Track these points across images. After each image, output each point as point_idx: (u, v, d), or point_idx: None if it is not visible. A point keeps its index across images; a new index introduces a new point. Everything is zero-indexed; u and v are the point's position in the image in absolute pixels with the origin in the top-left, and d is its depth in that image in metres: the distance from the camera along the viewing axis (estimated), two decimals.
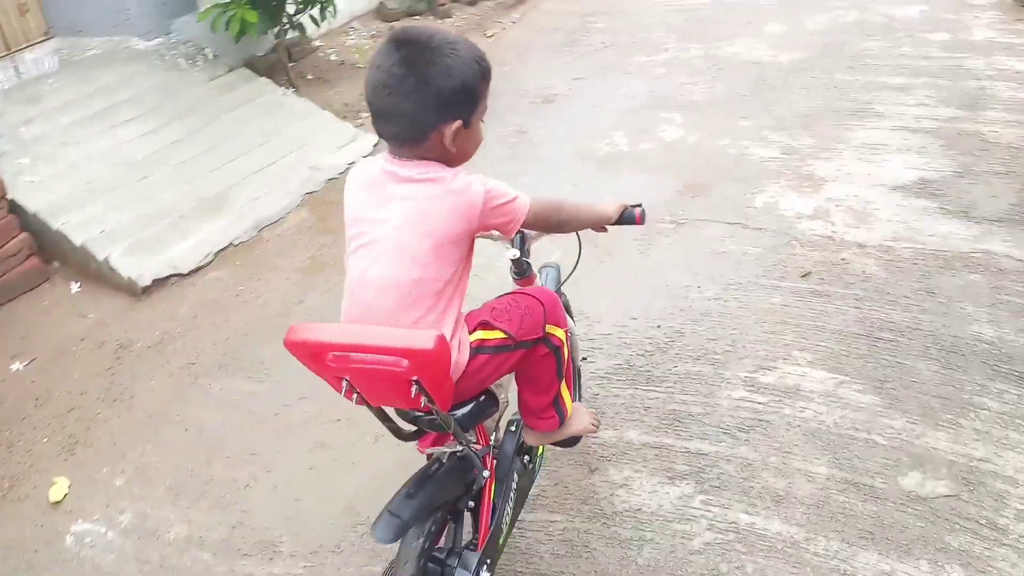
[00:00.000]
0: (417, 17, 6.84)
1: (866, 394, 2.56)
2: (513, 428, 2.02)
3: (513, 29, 6.93)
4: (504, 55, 6.25)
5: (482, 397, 1.73)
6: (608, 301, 3.18)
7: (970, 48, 5.34)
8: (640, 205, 1.94)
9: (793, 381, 2.64)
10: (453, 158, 1.57)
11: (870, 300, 2.99)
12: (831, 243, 3.37)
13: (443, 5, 6.83)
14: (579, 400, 2.36)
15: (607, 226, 1.92)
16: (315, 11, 5.48)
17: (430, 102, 1.48)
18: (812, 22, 6.18)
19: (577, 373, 2.39)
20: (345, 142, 4.79)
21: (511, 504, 1.96)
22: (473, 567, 1.77)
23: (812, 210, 3.62)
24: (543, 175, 4.29)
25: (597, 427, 2.09)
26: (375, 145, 4.81)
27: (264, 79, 5.27)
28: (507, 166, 4.44)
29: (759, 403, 2.57)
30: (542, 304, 1.75)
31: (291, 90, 5.34)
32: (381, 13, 6.86)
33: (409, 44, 1.48)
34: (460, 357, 1.61)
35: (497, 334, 1.68)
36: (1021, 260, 3.14)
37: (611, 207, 1.90)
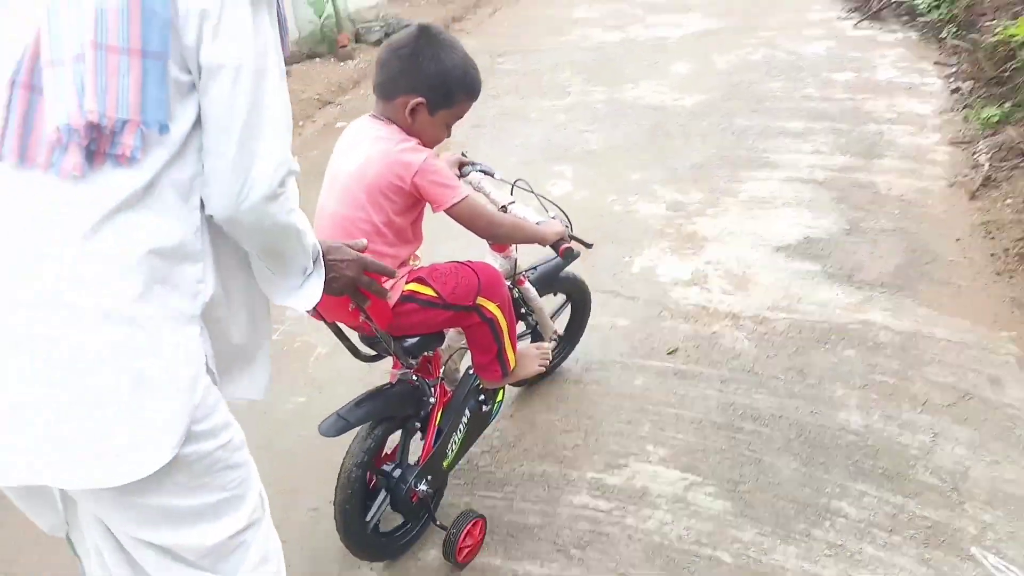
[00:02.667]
0: (318, 59, 6.59)
1: (718, 499, 2.33)
2: (471, 371, 2.30)
3: None
4: None
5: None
6: None
7: (873, 89, 5.24)
8: (569, 239, 2.17)
9: (642, 483, 2.41)
10: (413, 132, 1.92)
11: (736, 382, 2.78)
12: (704, 313, 3.16)
13: (344, 47, 6.59)
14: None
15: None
16: None
17: (409, 72, 1.88)
18: (721, 61, 6.06)
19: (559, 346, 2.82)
20: None
21: (459, 434, 2.26)
22: (411, 478, 2.09)
23: (690, 275, 3.42)
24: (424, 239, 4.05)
25: (546, 366, 2.45)
26: None
27: None
28: None
29: (601, 511, 2.33)
30: (478, 278, 2.08)
31: None
32: None
33: (429, 32, 1.91)
34: (392, 293, 1.92)
35: (429, 291, 2.02)
36: (899, 332, 2.96)
37: (550, 232, 2.13)
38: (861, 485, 2.34)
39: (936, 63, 5.51)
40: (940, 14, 5.83)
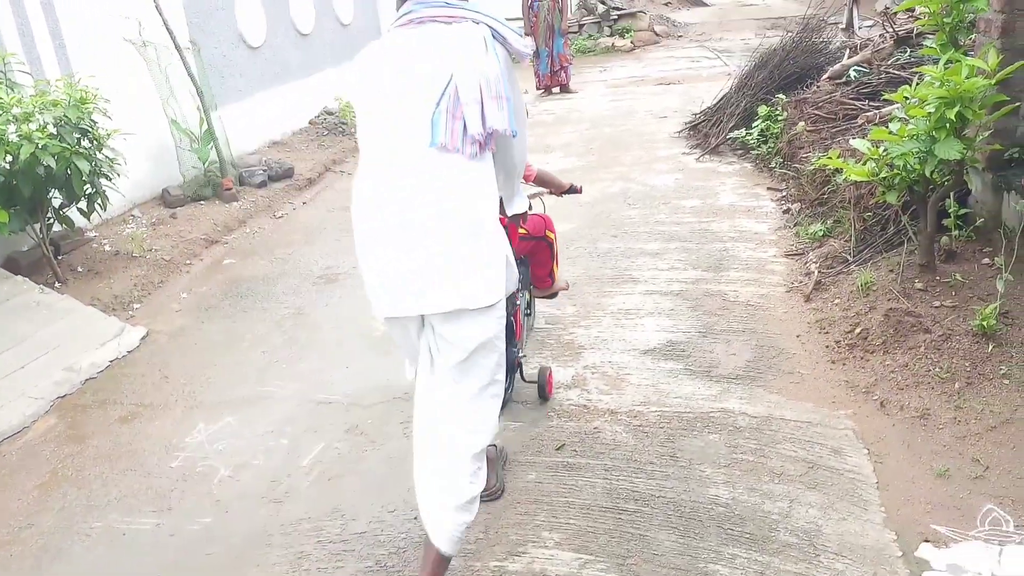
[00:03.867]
0: (202, 202, 6.79)
1: (608, 573, 2.57)
2: (525, 301, 3.60)
3: (304, 210, 7.03)
4: (291, 237, 6.29)
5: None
6: (369, 496, 3.09)
7: (716, 212, 5.92)
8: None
9: (540, 566, 2.63)
10: None
11: (618, 469, 3.08)
12: (586, 412, 3.48)
13: (229, 190, 6.84)
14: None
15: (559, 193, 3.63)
16: (83, 204, 5.33)
17: None
18: (585, 192, 6.65)
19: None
20: (109, 338, 4.56)
21: (525, 323, 3.61)
22: (519, 354, 3.43)
23: (570, 379, 3.76)
24: (321, 360, 4.23)
25: (568, 287, 4.02)
26: (142, 338, 4.61)
27: (21, 278, 4.98)
28: (283, 352, 4.35)
29: None
30: (544, 220, 3.52)
31: (55, 286, 5.08)
32: (165, 199, 6.76)
33: None
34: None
35: (522, 230, 3.22)
36: (754, 416, 3.36)
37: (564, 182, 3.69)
38: (732, 549, 2.63)
39: (769, 188, 6.29)
40: (768, 148, 6.70)
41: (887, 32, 6.30)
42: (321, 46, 9.71)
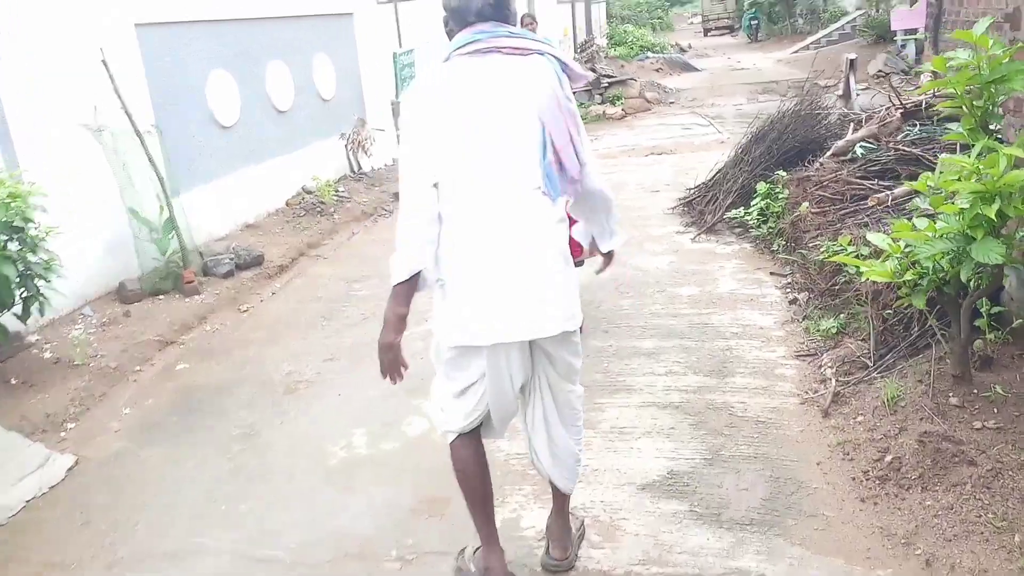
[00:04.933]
0: (161, 297, 6.29)
1: None
2: None
3: (272, 301, 6.52)
4: (254, 335, 5.77)
5: None
6: None
7: (716, 302, 5.42)
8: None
9: None
10: None
11: None
12: (573, 574, 2.90)
13: (190, 283, 6.34)
14: None
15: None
16: (18, 308, 4.82)
17: None
18: None
19: None
20: (30, 470, 3.99)
21: None
22: None
23: None
24: (267, 497, 3.66)
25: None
26: (69, 469, 4.05)
27: None
28: (226, 487, 3.78)
29: None
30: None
31: None
32: (121, 294, 6.25)
33: None
34: None
35: None
36: None
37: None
38: None
39: (772, 273, 5.81)
40: (769, 229, 6.24)
41: (893, 104, 5.90)
42: (300, 122, 9.33)
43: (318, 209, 8.75)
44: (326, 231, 8.33)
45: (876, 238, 3.58)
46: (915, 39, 16.71)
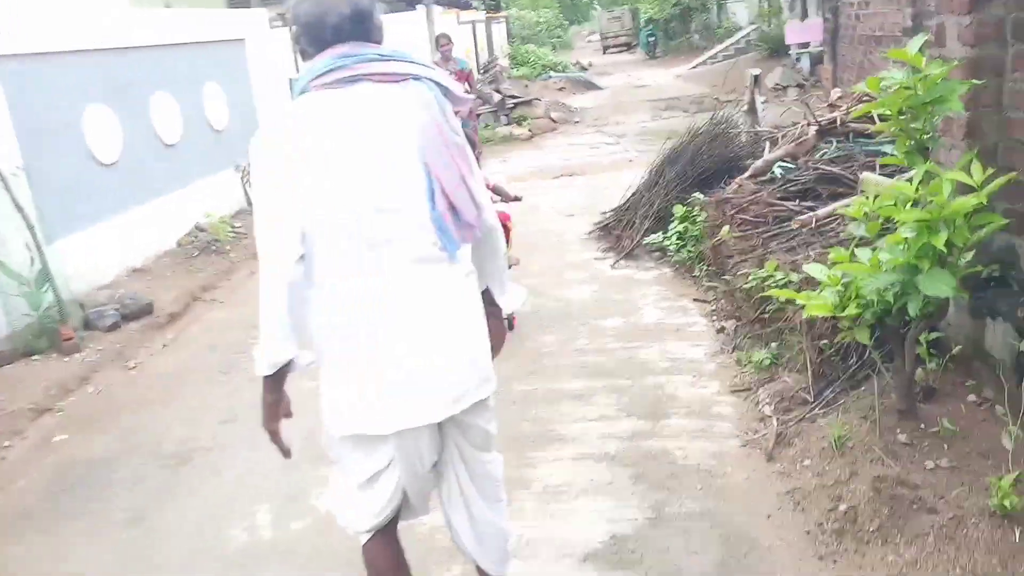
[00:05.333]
0: (36, 357, 5.65)
1: None
2: None
3: (163, 354, 5.95)
4: (143, 394, 5.21)
5: None
6: None
7: (643, 334, 5.18)
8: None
9: None
10: None
11: None
12: None
13: (69, 340, 5.72)
14: None
15: None
16: None
17: None
18: None
19: None
20: None
21: None
22: None
23: None
24: None
25: (518, 262, 5.80)
26: None
27: None
28: None
29: None
30: (504, 216, 4.88)
31: None
32: None
33: None
34: None
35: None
36: None
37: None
38: None
39: (696, 300, 5.62)
40: (689, 253, 6.06)
41: (807, 121, 5.82)
42: (191, 156, 8.72)
43: (213, 248, 8.18)
44: (222, 271, 7.78)
45: (814, 270, 3.38)
46: (808, 53, 17.18)
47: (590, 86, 22.38)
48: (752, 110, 9.19)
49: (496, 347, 2.37)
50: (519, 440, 3.99)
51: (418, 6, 16.32)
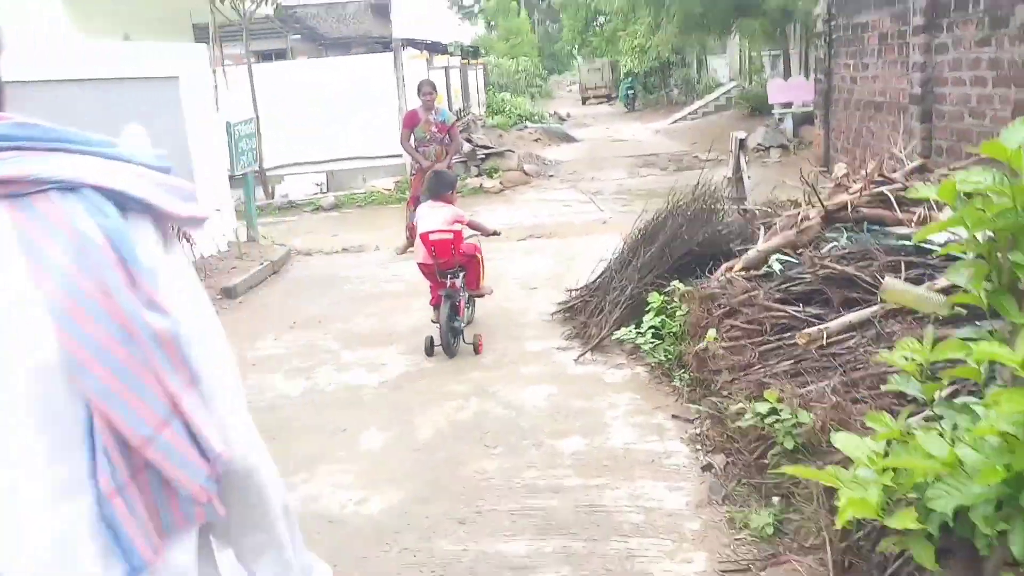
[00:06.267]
0: None
1: None
2: (467, 292, 5.89)
3: None
4: None
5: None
6: None
7: (609, 466, 4.12)
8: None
9: None
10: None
11: None
12: None
13: None
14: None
15: None
16: None
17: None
18: (423, 424, 4.79)
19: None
20: None
21: (468, 309, 6.08)
22: (462, 325, 5.83)
23: None
24: None
25: (492, 292, 6.45)
26: None
27: None
28: None
29: None
30: (475, 247, 6.01)
31: None
32: None
33: None
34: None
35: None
36: None
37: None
38: None
39: (675, 416, 4.58)
40: (667, 354, 5.04)
41: (809, 203, 4.86)
42: None
43: None
44: None
45: (848, 444, 2.35)
46: (791, 113, 16.50)
47: (566, 138, 21.61)
48: (738, 178, 8.27)
49: None
50: None
51: (386, 51, 15.45)
